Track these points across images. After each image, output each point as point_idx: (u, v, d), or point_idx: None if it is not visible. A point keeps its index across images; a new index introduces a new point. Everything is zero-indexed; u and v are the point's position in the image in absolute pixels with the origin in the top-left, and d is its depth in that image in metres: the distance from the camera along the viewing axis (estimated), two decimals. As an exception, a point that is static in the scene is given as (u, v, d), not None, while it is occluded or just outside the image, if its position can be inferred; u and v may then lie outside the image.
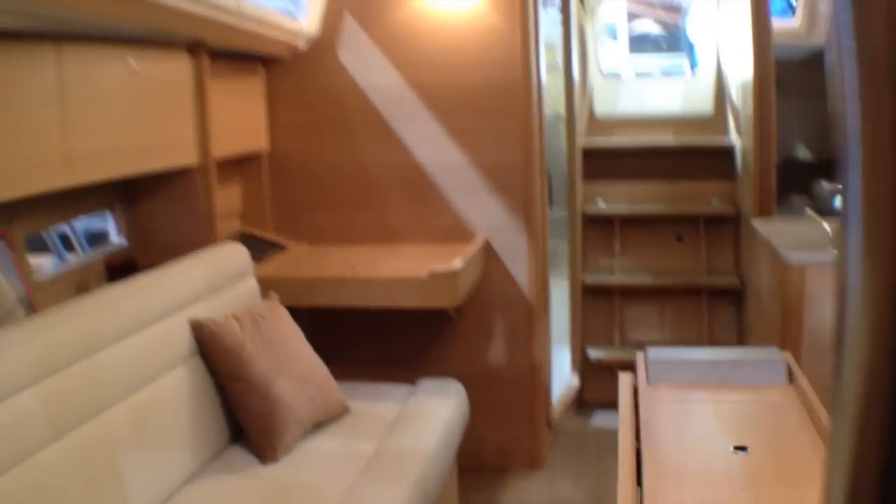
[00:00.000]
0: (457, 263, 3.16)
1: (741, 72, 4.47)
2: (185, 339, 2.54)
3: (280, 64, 3.72)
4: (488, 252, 3.74)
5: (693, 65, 6.95)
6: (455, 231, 3.75)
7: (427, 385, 3.16)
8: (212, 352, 2.57)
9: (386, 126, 3.71)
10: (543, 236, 3.82)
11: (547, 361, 3.98)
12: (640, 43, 6.71)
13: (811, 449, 1.84)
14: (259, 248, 3.53)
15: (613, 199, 4.95)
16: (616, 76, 5.30)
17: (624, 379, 2.34)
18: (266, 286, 3.06)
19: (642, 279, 4.70)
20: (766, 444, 1.90)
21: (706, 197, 4.91)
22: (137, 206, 3.07)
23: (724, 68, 5.01)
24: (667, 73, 6.34)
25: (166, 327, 2.46)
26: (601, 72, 5.16)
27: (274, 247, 3.65)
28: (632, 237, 4.86)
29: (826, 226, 3.08)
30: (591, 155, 4.86)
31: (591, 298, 4.68)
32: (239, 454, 2.60)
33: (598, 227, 4.83)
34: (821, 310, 2.93)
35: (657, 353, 2.33)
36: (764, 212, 4.20)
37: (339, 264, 3.41)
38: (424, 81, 3.67)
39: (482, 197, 3.71)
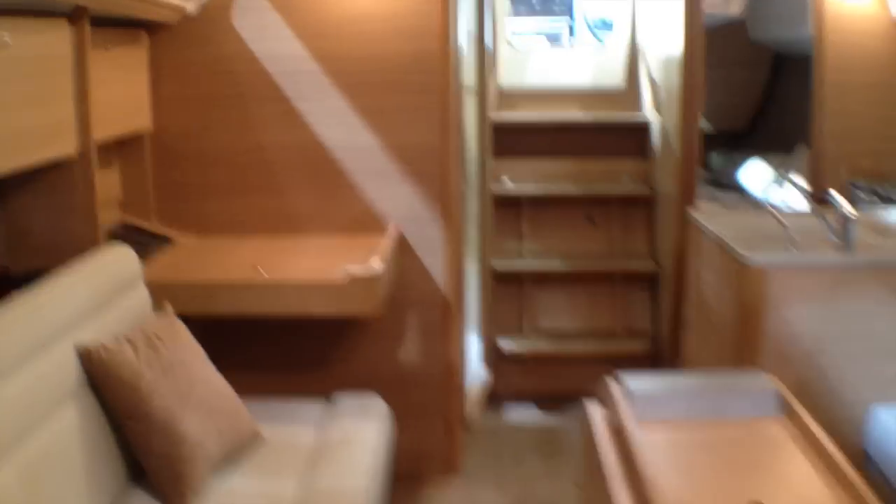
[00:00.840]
0: (376, 264, 2.79)
1: (663, 45, 4.23)
2: (72, 371, 2.10)
3: (166, 31, 3.23)
4: (402, 245, 3.38)
5: (572, 32, 6.78)
6: (364, 221, 3.37)
7: (344, 402, 2.81)
8: (104, 385, 2.14)
9: (286, 103, 3.29)
10: (459, 225, 3.49)
11: (462, 360, 3.68)
12: (517, 5, 6.42)
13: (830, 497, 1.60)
14: (142, 242, 3.07)
15: (520, 177, 4.66)
16: (524, 47, 4.99)
17: (595, 414, 2.04)
18: (157, 294, 2.62)
19: (552, 264, 4.44)
20: (780, 495, 1.66)
21: (618, 176, 4.68)
22: (5, 205, 2.57)
23: (640, 41, 4.77)
24: (546, 37, 6.11)
25: (50, 359, 2.02)
26: (508, 41, 4.83)
27: (158, 240, 3.19)
28: (540, 219, 4.59)
29: (781, 219, 2.86)
30: (497, 130, 4.54)
31: (499, 284, 4.39)
32: (142, 500, 2.19)
33: (505, 208, 4.53)
34: (784, 316, 2.72)
35: (639, 385, 2.04)
36: (688, 194, 4.00)
37: (237, 263, 2.98)
38: (331, 52, 3.25)
39: (395, 183, 3.34)
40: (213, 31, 3.24)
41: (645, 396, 2.01)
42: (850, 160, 4.07)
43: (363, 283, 2.73)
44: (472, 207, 4.22)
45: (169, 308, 2.51)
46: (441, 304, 3.45)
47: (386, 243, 3.12)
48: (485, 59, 4.00)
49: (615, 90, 4.89)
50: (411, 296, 3.43)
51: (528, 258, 4.50)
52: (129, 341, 2.22)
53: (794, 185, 3.95)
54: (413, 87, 3.26)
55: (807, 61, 6.04)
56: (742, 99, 5.59)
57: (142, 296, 2.56)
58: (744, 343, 2.77)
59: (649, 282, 4.47)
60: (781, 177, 4.00)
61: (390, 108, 3.29)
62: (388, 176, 3.34)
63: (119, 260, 2.50)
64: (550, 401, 4.33)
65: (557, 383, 4.40)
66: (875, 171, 4.10)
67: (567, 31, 7.16)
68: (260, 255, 3.08)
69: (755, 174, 6.07)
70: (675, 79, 3.97)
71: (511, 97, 4.84)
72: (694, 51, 3.87)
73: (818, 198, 4.03)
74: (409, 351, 3.50)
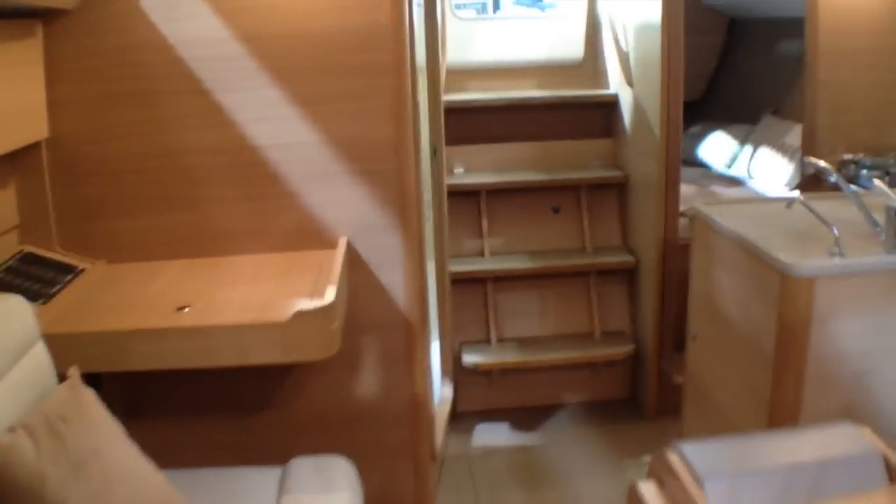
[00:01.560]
0: (329, 293, 2.24)
1: (635, 12, 3.72)
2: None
3: (63, 18, 2.59)
4: (353, 259, 2.82)
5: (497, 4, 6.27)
6: (307, 235, 2.81)
7: (303, 470, 2.25)
8: (-7, 495, 1.56)
9: (206, 96, 2.68)
10: (421, 233, 2.94)
11: (430, 389, 3.14)
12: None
13: None
14: (43, 278, 2.47)
15: (476, 166, 4.12)
16: (473, 18, 4.43)
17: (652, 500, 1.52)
18: (60, 349, 2.03)
19: (516, 263, 3.92)
20: None
21: (584, 158, 4.18)
22: None
23: (601, 8, 4.25)
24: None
25: None
26: (453, 11, 4.26)
27: (63, 271, 2.57)
28: (501, 212, 4.06)
29: (824, 219, 2.36)
30: (446, 114, 3.99)
31: (459, 288, 3.86)
32: None
33: (461, 202, 3.99)
34: (831, 332, 2.25)
35: (708, 460, 1.53)
36: (672, 177, 3.53)
37: (156, 300, 2.39)
38: (258, 31, 2.66)
39: (342, 186, 2.78)
40: (117, 14, 2.61)
41: (718, 481, 1.50)
42: (847, 133, 3.64)
43: (313, 320, 2.18)
44: (425, 203, 3.67)
45: (75, 374, 1.91)
46: (403, 326, 2.91)
47: (336, 261, 2.56)
48: (437, 30, 3.43)
49: (573, 63, 4.38)
50: (367, 320, 2.88)
51: (491, 257, 3.98)
52: (27, 431, 1.63)
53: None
54: (361, 70, 2.69)
55: (764, 25, 5.67)
56: (696, 66, 5.11)
57: (40, 361, 1.96)
58: (784, 365, 2.29)
59: (625, 275, 3.99)
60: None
61: (334, 96, 2.71)
62: (333, 178, 2.78)
63: (8, 316, 1.89)
64: (523, 416, 3.85)
65: (530, 395, 3.92)
66: (875, 145, 3.68)
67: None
68: (183, 286, 2.49)
69: (719, 148, 5.64)
70: (653, 47, 3.47)
71: (458, 76, 4.29)
72: (673, 15, 3.39)
73: (812, 176, 3.60)
74: (368, 384, 2.95)
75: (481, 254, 4.00)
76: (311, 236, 2.80)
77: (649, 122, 3.61)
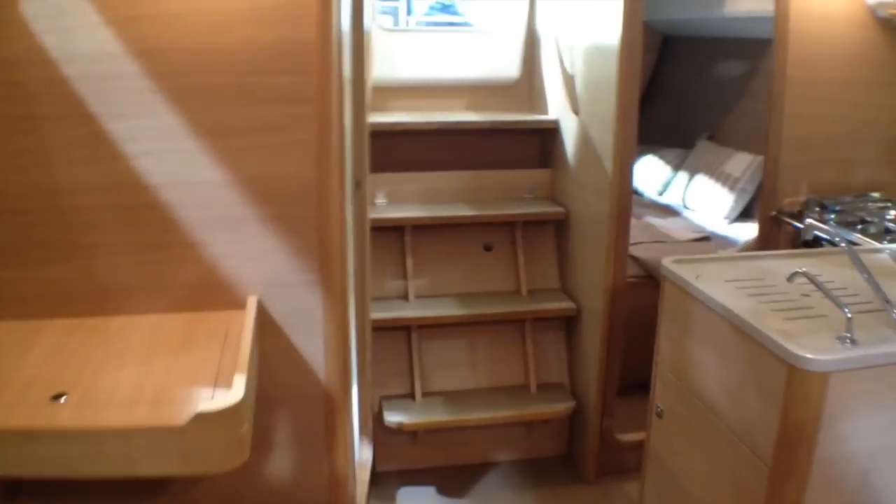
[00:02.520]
0: (237, 387, 1.77)
1: (584, 32, 3.33)
2: None
3: None
4: (265, 322, 2.36)
5: (409, 10, 5.82)
6: (211, 292, 2.33)
7: None
8: None
9: (92, 123, 2.17)
10: (345, 290, 2.48)
11: (352, 465, 2.68)
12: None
13: None
14: None
15: (399, 196, 3.67)
16: (398, 29, 3.95)
17: None
18: None
19: (445, 309, 3.48)
20: None
21: (518, 191, 3.78)
22: None
23: (541, 23, 3.85)
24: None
25: None
26: (377, 24, 3.80)
27: None
28: (427, 249, 3.62)
29: (840, 304, 1.99)
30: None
31: (380, 336, 3.40)
32: None
33: (383, 237, 3.54)
34: (841, 431, 1.89)
35: None
36: (622, 216, 3.15)
37: (24, 383, 1.88)
38: (159, 45, 2.17)
39: (253, 235, 2.31)
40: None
41: None
42: (811, 172, 3.34)
43: (217, 424, 1.72)
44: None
45: None
46: (322, 398, 2.46)
47: (245, 329, 2.09)
48: (364, 46, 2.96)
49: (508, 83, 3.97)
50: (281, 391, 2.43)
51: (416, 301, 3.53)
52: None
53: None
54: (280, 95, 2.23)
55: (700, 44, 5.38)
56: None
57: None
58: (787, 470, 1.92)
59: (565, 322, 3.60)
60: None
61: (245, 126, 2.24)
62: (242, 225, 2.30)
63: None
64: (450, 477, 3.44)
65: (458, 453, 3.52)
66: (839, 185, 3.39)
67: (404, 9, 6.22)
68: (63, 360, 1.99)
69: (650, 173, 5.32)
70: (606, 73, 3.09)
71: (380, 94, 3.83)
72: (632, 40, 3.01)
73: (774, 218, 3.29)
74: (282, 464, 2.50)
75: (405, 296, 3.55)
76: (216, 294, 2.33)
77: (597, 155, 3.23)
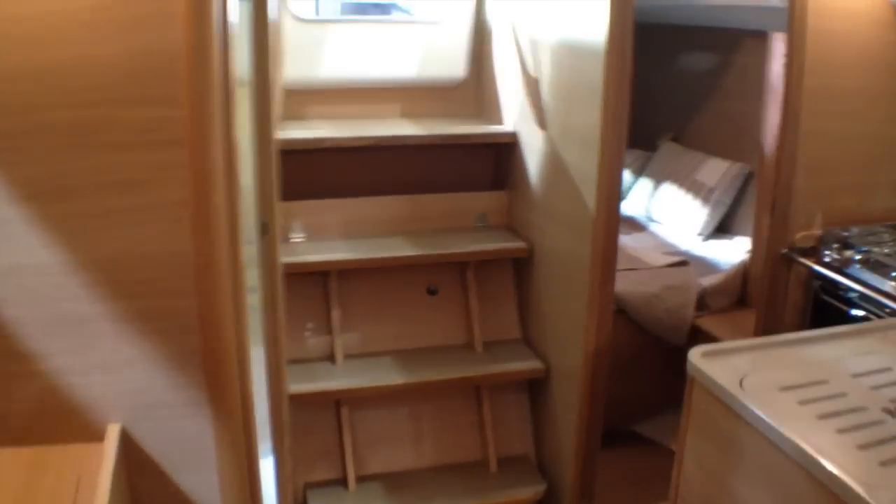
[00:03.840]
0: None
1: (555, 25, 2.64)
2: None
3: None
4: (134, 458, 1.63)
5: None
6: (55, 419, 1.61)
7: None
8: None
9: None
10: (248, 404, 1.76)
11: None
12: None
13: None
14: None
15: (322, 230, 2.95)
16: (318, 19, 3.18)
17: None
18: None
19: (380, 373, 2.78)
20: None
21: (468, 218, 3.08)
22: None
23: (492, 13, 3.14)
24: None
25: None
26: (291, 12, 3.03)
27: None
28: (357, 296, 2.91)
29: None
30: (282, 156, 2.80)
31: (302, 410, 2.69)
32: None
33: (302, 284, 2.81)
34: None
35: None
36: (608, 260, 2.49)
37: None
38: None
39: (107, 339, 1.58)
40: None
41: None
42: (827, 199, 2.72)
43: None
44: (251, 279, 2.48)
45: None
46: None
47: (103, 470, 1.38)
48: (267, 40, 2.20)
49: (452, 83, 3.26)
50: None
51: (345, 363, 2.82)
52: None
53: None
54: (135, 134, 1.50)
55: (662, 32, 4.72)
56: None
57: None
58: None
59: (528, 382, 2.93)
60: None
61: (89, 183, 1.51)
62: (92, 326, 1.56)
63: None
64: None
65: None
66: (858, 214, 2.78)
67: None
68: None
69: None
70: (587, 80, 2.41)
71: (296, 98, 3.09)
72: (622, 36, 2.34)
73: (785, 256, 2.68)
74: None
75: (331, 357, 2.83)
76: (63, 422, 1.61)
77: (572, 182, 2.55)
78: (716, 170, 4.06)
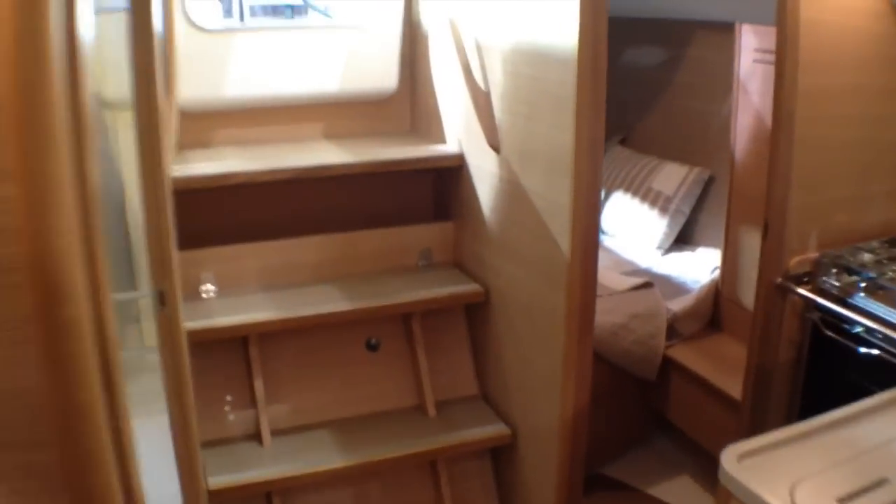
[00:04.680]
0: None
1: (509, 23, 2.20)
2: None
3: None
4: None
5: None
6: None
7: None
8: None
9: None
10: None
11: None
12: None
13: None
14: None
15: (236, 281, 2.47)
16: (220, 30, 2.67)
17: None
18: None
19: (317, 454, 2.32)
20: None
21: (408, 255, 2.64)
22: None
23: (426, 11, 2.69)
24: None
25: None
26: (188, 19, 2.52)
27: None
28: (283, 360, 2.44)
29: None
30: (181, 195, 2.32)
31: (222, 500, 2.21)
32: None
33: (217, 352, 2.33)
34: None
35: None
36: (586, 308, 2.07)
37: None
38: None
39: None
40: None
41: None
42: (822, 216, 2.36)
43: None
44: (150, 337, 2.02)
45: None
46: None
47: None
48: (152, 59, 1.70)
49: (382, 96, 2.81)
50: None
51: (274, 444, 2.34)
52: None
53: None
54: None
55: (609, 25, 4.29)
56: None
57: None
58: None
59: (491, 452, 2.50)
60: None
61: None
62: None
63: None
64: None
65: None
66: (849, 230, 2.42)
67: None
68: None
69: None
70: (556, 87, 1.99)
71: (200, 123, 2.60)
72: (596, 34, 1.93)
73: (780, 287, 2.30)
74: None
75: (257, 436, 2.35)
76: None
77: (537, 216, 2.13)
78: (673, 176, 3.69)
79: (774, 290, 2.33)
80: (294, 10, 3.50)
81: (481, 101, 2.37)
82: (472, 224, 2.52)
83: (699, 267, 3.44)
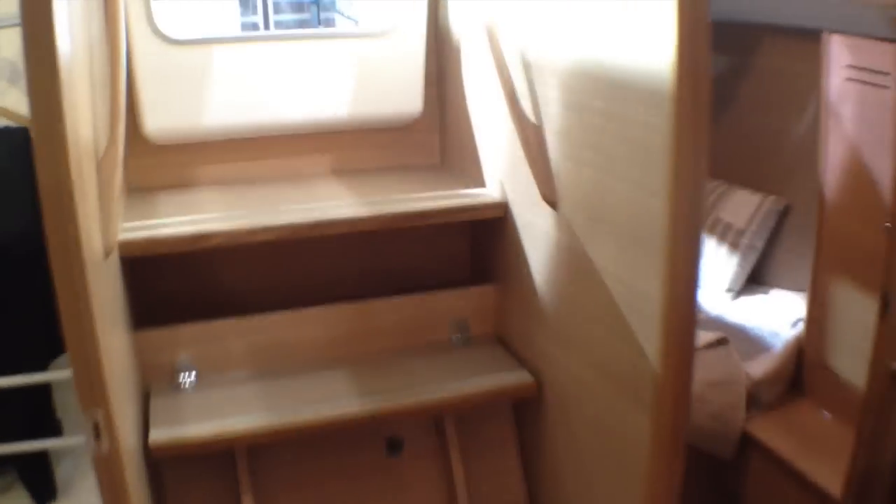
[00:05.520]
0: None
1: (568, 38, 1.64)
2: None
3: None
4: None
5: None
6: None
7: None
8: None
9: None
10: None
11: None
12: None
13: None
14: None
15: (220, 367, 1.94)
16: (200, 41, 2.12)
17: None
18: None
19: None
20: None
21: (438, 329, 2.10)
22: None
23: (458, 18, 2.14)
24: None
25: None
26: (153, 27, 1.99)
27: None
28: (280, 475, 1.91)
29: None
30: (147, 263, 1.81)
31: None
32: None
33: (197, 466, 1.80)
34: None
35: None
36: (678, 433, 1.56)
37: None
38: None
39: None
40: None
41: None
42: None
43: None
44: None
45: None
46: None
47: None
48: (57, 85, 1.15)
49: (403, 122, 2.27)
50: None
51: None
52: None
53: None
54: None
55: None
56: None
57: None
58: None
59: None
60: None
61: None
62: None
63: None
64: None
65: None
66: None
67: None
68: None
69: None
70: (640, 129, 1.44)
71: (177, 157, 2.08)
72: (698, 55, 1.38)
73: None
74: None
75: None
76: None
77: (608, 297, 1.60)
78: (744, 205, 3.15)
79: (889, 377, 1.81)
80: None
81: (531, 139, 1.82)
82: (520, 291, 1.98)
83: (777, 316, 2.91)
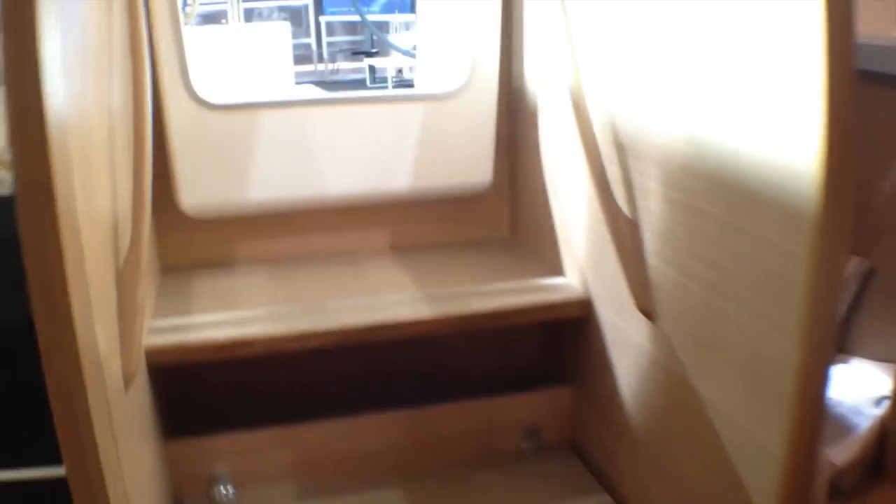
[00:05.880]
0: None
1: (667, 117, 1.38)
2: None
3: None
4: None
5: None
6: None
7: None
8: None
9: None
10: None
11: None
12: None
13: None
14: None
15: (264, 483, 1.71)
16: (243, 105, 1.89)
17: None
18: None
19: None
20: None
21: (507, 437, 1.85)
22: None
23: (537, 73, 1.88)
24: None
25: None
26: (191, 93, 1.76)
27: None
28: None
29: None
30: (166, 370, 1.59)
31: None
32: None
33: None
34: None
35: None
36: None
37: None
38: None
39: None
40: None
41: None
42: None
43: None
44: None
45: None
46: None
47: None
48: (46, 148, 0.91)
49: (470, 193, 2.02)
50: None
51: None
52: None
53: None
54: None
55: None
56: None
57: None
58: None
59: None
60: None
61: None
62: None
63: None
64: None
65: None
66: None
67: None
68: None
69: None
70: (771, 251, 1.18)
71: (213, 233, 1.86)
72: (844, 170, 1.10)
73: None
74: None
75: None
76: None
77: (720, 445, 1.34)
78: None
79: None
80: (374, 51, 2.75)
81: (624, 235, 1.55)
82: (602, 401, 1.72)
83: (859, 390, 2.61)
